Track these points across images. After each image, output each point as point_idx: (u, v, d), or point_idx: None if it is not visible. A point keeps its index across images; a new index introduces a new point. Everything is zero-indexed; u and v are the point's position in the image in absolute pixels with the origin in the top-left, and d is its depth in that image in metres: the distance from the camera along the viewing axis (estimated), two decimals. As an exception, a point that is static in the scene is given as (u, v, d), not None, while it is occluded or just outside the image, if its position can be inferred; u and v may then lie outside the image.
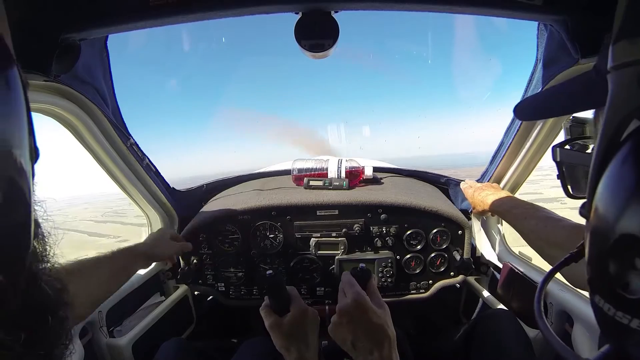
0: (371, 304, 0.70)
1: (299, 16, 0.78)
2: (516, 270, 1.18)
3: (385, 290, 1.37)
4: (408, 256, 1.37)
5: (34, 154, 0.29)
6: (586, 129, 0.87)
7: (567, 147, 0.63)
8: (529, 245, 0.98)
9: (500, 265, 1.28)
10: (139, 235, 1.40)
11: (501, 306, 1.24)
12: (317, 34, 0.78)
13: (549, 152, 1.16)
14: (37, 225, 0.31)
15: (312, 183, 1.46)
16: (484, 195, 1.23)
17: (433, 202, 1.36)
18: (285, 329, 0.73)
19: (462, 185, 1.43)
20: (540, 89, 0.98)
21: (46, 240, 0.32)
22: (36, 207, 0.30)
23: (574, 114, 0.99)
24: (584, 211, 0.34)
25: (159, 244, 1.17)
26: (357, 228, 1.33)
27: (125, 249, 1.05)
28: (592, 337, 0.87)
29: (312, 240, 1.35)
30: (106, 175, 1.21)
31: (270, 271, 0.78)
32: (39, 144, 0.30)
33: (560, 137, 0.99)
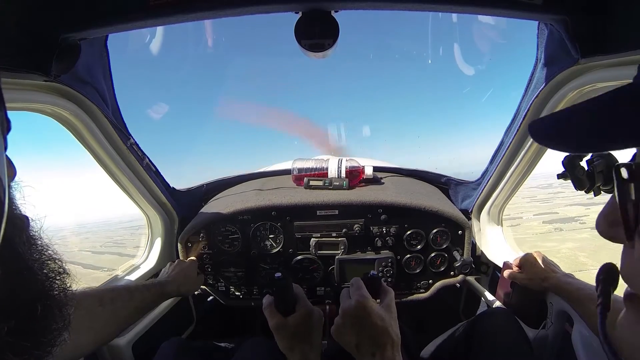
0: (375, 307, 0.70)
1: (299, 16, 0.78)
2: None
3: None
4: (408, 256, 1.37)
5: (5, 125, 0.29)
6: None
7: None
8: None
9: (500, 265, 1.28)
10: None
11: (501, 306, 1.24)
12: (317, 34, 0.78)
13: (548, 152, 1.16)
14: (12, 206, 0.30)
15: (312, 183, 1.46)
16: (550, 271, 1.07)
17: (433, 202, 1.36)
18: (290, 330, 0.73)
19: (531, 253, 1.16)
20: (540, 88, 0.98)
21: (29, 224, 0.32)
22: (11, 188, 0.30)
23: None
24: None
25: (186, 282, 1.22)
26: (357, 228, 1.33)
27: (158, 286, 1.09)
28: (592, 337, 0.87)
29: (312, 240, 1.35)
30: (111, 184, 1.24)
31: (279, 274, 0.77)
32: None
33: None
